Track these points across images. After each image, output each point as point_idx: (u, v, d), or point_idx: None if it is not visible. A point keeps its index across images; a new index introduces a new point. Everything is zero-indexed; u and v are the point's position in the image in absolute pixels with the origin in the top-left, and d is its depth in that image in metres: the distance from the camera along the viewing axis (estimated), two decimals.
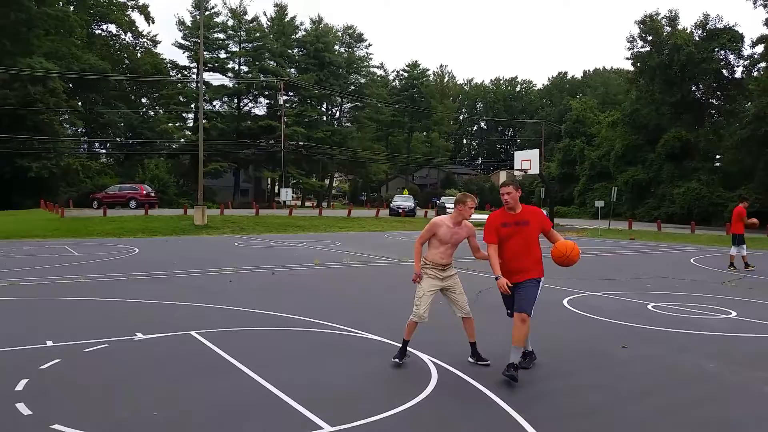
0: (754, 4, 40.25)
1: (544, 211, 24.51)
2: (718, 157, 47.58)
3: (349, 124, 77.63)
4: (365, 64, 77.18)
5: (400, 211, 40.92)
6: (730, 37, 43.91)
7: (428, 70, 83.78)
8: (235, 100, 67.75)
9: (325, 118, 74.57)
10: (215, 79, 66.20)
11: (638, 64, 49.53)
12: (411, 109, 78.23)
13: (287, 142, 59.17)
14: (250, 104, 69.79)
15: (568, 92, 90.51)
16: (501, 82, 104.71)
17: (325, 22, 73.55)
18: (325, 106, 76.44)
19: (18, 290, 10.32)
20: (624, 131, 51.26)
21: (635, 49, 49.30)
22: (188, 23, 63.04)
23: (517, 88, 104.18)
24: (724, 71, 45.64)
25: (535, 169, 31.09)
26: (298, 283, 11.85)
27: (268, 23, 71.47)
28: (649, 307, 9.42)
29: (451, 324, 6.52)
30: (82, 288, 10.68)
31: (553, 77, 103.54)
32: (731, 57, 45.17)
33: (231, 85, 65.94)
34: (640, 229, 33.83)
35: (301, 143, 63.73)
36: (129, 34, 62.99)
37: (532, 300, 5.44)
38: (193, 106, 62.81)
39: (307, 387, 5.17)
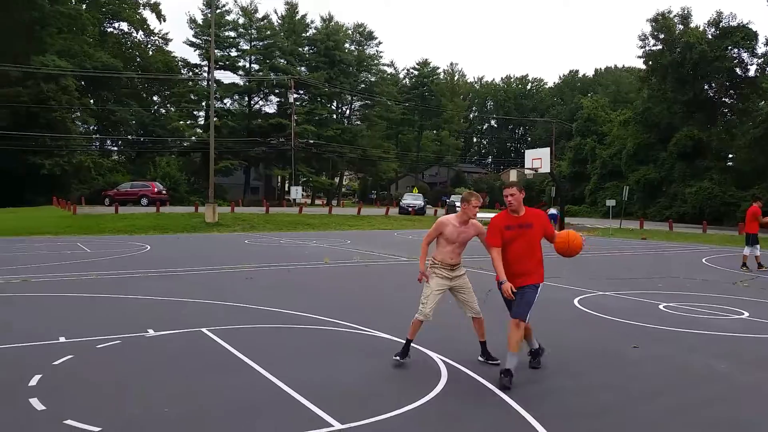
0: None
1: (555, 210, 24.31)
2: (730, 156, 47.14)
3: (359, 123, 77.67)
4: (375, 62, 77.21)
5: (410, 209, 40.90)
6: (744, 35, 43.48)
7: (438, 68, 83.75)
8: (246, 98, 67.97)
9: (335, 117, 74.67)
10: (226, 77, 66.57)
11: (650, 63, 49.20)
12: (421, 107, 78.14)
13: (297, 141, 59.27)
14: (260, 102, 70.06)
15: (580, 90, 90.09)
16: (512, 80, 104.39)
17: (335, 21, 73.71)
18: (335, 104, 76.54)
19: (30, 287, 10.42)
20: (636, 130, 50.95)
21: (647, 48, 48.99)
22: (199, 21, 63.35)
23: (528, 87, 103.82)
24: (738, 69, 45.19)
25: (545, 168, 30.93)
26: (307, 281, 11.88)
27: (279, 21, 71.69)
28: (661, 307, 9.37)
29: (461, 323, 6.52)
30: (94, 285, 10.77)
31: (564, 75, 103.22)
32: (744, 55, 44.75)
33: (242, 83, 66.19)
34: (651, 228, 33.63)
35: (312, 141, 63.84)
36: (141, 32, 63.40)
37: (530, 306, 5.38)
38: (204, 104, 63.09)
39: (317, 384, 5.19)
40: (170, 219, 28.44)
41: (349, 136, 69.80)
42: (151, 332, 7.06)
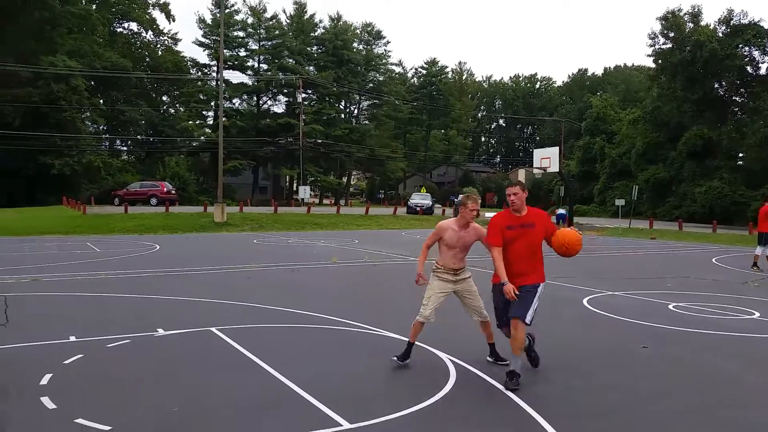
0: None
1: (564, 210, 24.20)
2: (740, 155, 46.83)
3: (367, 122, 77.71)
4: (384, 61, 77.21)
5: (418, 209, 40.88)
6: (755, 33, 43.17)
7: (447, 67, 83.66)
8: (255, 98, 68.16)
9: (343, 116, 74.75)
10: (235, 77, 66.75)
11: (660, 61, 48.94)
12: (429, 106, 78.08)
13: (306, 140, 59.37)
14: (269, 102, 70.26)
15: (589, 89, 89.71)
16: (520, 79, 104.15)
17: (344, 20, 73.76)
18: (343, 103, 76.63)
19: (41, 286, 10.49)
20: (645, 129, 50.67)
21: (657, 46, 48.74)
22: (208, 21, 63.57)
23: (537, 85, 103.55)
24: (749, 68, 44.88)
25: (554, 167, 30.87)
26: (316, 281, 11.91)
27: (288, 21, 71.80)
28: (670, 307, 9.32)
29: (469, 322, 6.51)
30: (104, 284, 10.83)
31: (573, 74, 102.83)
32: (756, 53, 44.43)
33: (250, 82, 66.37)
34: (661, 228, 33.46)
35: (320, 141, 63.94)
36: (150, 32, 63.65)
37: (529, 306, 5.21)
38: (213, 104, 63.30)
39: (326, 384, 5.20)
40: (179, 219, 28.56)
41: (357, 135, 69.84)
42: (160, 332, 7.09)
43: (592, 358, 6.34)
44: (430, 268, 5.95)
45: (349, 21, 76.14)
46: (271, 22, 67.64)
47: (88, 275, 11.90)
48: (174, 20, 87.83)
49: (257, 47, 66.68)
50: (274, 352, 6.25)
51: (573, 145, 71.51)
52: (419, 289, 6.06)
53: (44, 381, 5.13)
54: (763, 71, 44.68)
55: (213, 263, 14.24)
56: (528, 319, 5.22)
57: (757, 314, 8.84)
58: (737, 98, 47.74)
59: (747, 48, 44.11)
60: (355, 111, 79.25)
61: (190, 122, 62.99)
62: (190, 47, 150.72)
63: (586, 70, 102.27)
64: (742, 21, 44.53)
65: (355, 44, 74.13)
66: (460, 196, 5.90)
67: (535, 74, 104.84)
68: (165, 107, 67.13)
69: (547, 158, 30.81)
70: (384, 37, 77.05)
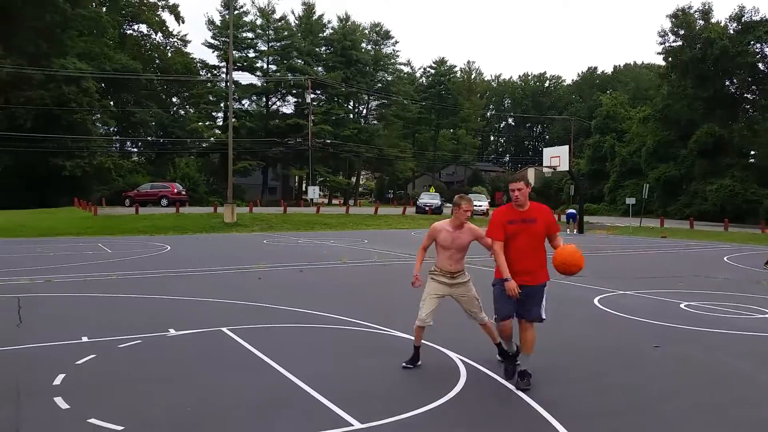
0: None
1: (574, 210, 24.04)
2: (752, 153, 46.49)
3: (375, 122, 77.71)
4: (392, 61, 77.18)
5: (427, 208, 40.85)
6: (767, 30, 42.85)
7: (455, 66, 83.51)
8: (264, 99, 68.33)
9: (352, 116, 74.78)
10: (244, 78, 66.96)
11: (670, 59, 48.70)
12: (438, 106, 77.99)
13: (314, 140, 59.46)
14: (278, 103, 70.41)
15: (598, 87, 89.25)
16: (529, 77, 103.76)
17: (352, 20, 73.78)
18: (352, 103, 76.66)
19: (53, 287, 10.57)
20: (655, 127, 50.42)
21: (667, 44, 48.52)
22: (217, 23, 63.77)
23: (546, 84, 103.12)
24: (760, 65, 44.60)
25: (564, 166, 30.70)
26: (325, 281, 11.93)
27: (296, 22, 71.91)
28: (682, 306, 9.27)
29: None
30: (116, 285, 10.90)
31: (582, 72, 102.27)
32: (767, 50, 44.12)
33: (259, 83, 66.55)
34: (672, 226, 33.28)
35: (329, 141, 64.01)
36: (159, 34, 63.94)
37: (542, 306, 5.21)
38: (222, 105, 63.50)
39: (337, 383, 5.21)
40: (190, 219, 28.70)
41: (365, 135, 69.87)
42: (172, 332, 7.13)
43: (603, 357, 6.31)
44: (429, 269, 5.91)
45: (357, 21, 76.26)
46: (279, 23, 67.80)
47: (100, 276, 11.98)
48: (183, 22, 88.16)
49: (266, 48, 66.85)
50: (285, 352, 6.27)
51: (583, 143, 71.23)
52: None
53: (57, 381, 5.17)
54: None
55: (223, 264, 14.30)
56: (543, 316, 5.24)
57: None
58: (749, 95, 47.41)
59: (759, 45, 43.82)
60: (364, 111, 79.29)
61: (200, 123, 63.27)
62: (200, 49, 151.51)
63: (595, 68, 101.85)
64: (753, 17, 44.24)
65: (363, 44, 74.15)
66: (455, 197, 5.79)
67: (545, 73, 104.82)
68: (175, 109, 67.46)
69: (556, 157, 30.65)
70: (392, 37, 77.17)
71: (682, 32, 47.18)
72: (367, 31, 75.48)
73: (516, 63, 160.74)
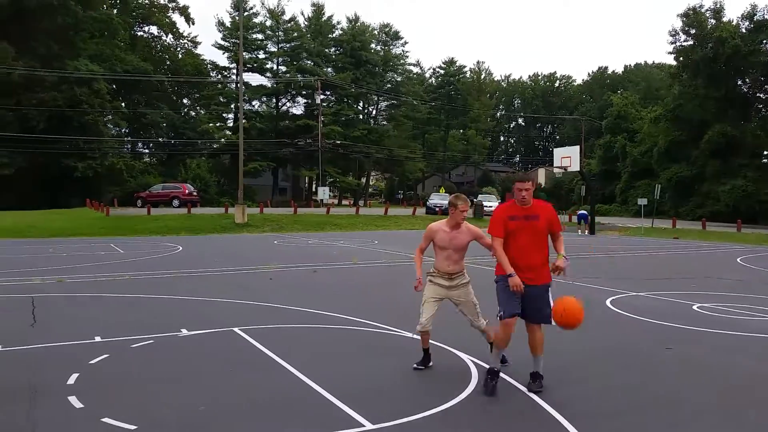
0: None
1: (585, 211, 23.90)
2: (765, 153, 46.10)
3: (385, 123, 77.70)
4: (401, 61, 77.17)
5: (437, 209, 40.77)
6: None
7: (465, 66, 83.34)
8: (274, 100, 68.52)
9: (361, 117, 74.81)
10: (254, 79, 67.16)
11: (681, 59, 48.40)
12: (447, 106, 77.89)
13: (324, 141, 59.56)
14: (288, 104, 70.54)
15: (609, 87, 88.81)
16: (539, 77, 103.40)
17: (361, 21, 73.82)
18: (361, 104, 76.69)
19: (66, 287, 10.65)
20: (667, 127, 50.08)
21: (678, 43, 48.25)
22: (228, 24, 64.02)
23: (556, 84, 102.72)
24: None
25: (575, 166, 30.60)
26: (336, 281, 11.95)
27: (306, 23, 72.07)
28: (694, 307, 9.21)
29: (491, 324, 6.49)
30: (128, 285, 10.97)
31: (593, 72, 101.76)
32: None
33: (269, 85, 66.73)
34: (684, 227, 33.07)
35: (338, 142, 64.06)
36: (170, 36, 64.34)
37: (549, 308, 5.06)
38: (233, 106, 63.78)
39: (349, 384, 5.22)
40: (201, 220, 28.84)
41: (375, 136, 69.90)
42: (184, 332, 7.17)
43: (615, 358, 6.29)
44: (428, 271, 5.87)
45: (366, 22, 76.33)
46: (289, 25, 67.98)
47: (113, 276, 12.06)
48: (194, 23, 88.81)
49: (276, 49, 67.04)
50: (296, 352, 6.29)
51: (594, 143, 70.87)
52: None
53: (71, 380, 5.21)
54: None
55: (234, 264, 14.36)
56: (553, 323, 5.13)
57: None
58: (761, 95, 47.01)
59: None
60: (374, 112, 79.32)
61: (211, 124, 63.54)
62: (210, 50, 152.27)
63: (606, 68, 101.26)
64: (766, 16, 43.87)
65: (372, 45, 74.19)
66: (451, 197, 5.72)
67: (555, 73, 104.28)
68: (186, 110, 67.78)
69: (567, 157, 30.55)
70: (402, 38, 77.11)
71: (693, 31, 46.88)
72: (376, 32, 75.54)
73: (526, 63, 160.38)
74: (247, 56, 62.79)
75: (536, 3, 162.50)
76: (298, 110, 70.26)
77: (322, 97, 64.87)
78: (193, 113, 67.27)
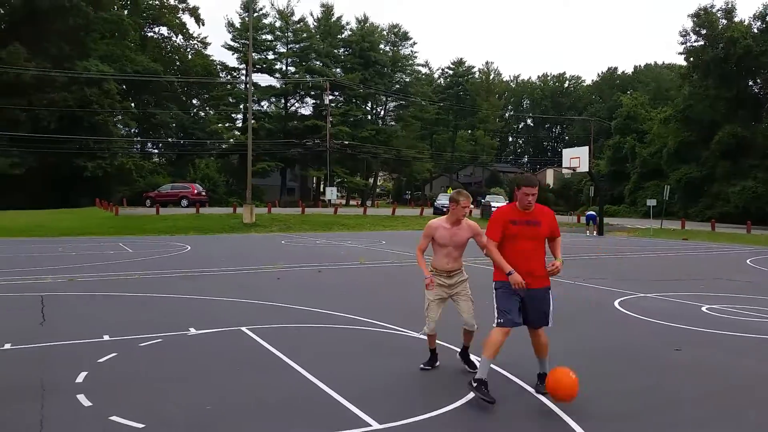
0: None
1: (594, 212, 23.82)
2: None
3: (393, 123, 77.70)
4: (410, 62, 77.15)
5: (445, 209, 40.55)
6: None
7: (473, 67, 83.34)
8: (283, 101, 68.68)
9: (369, 117, 74.83)
10: (263, 79, 67.40)
11: (692, 59, 48.12)
12: (456, 107, 77.82)
13: (333, 142, 59.64)
14: (296, 104, 70.69)
15: (619, 88, 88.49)
16: (548, 78, 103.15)
17: (370, 22, 73.86)
18: (370, 105, 76.73)
19: (76, 286, 10.72)
20: (677, 128, 49.79)
21: (688, 44, 47.98)
22: (237, 25, 64.25)
23: (566, 84, 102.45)
24: None
25: (584, 167, 30.48)
26: (343, 282, 11.96)
27: (315, 24, 72.23)
28: (704, 309, 9.16)
29: None
30: (137, 284, 11.02)
31: (602, 73, 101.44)
32: None
33: (278, 85, 66.88)
34: (693, 228, 32.88)
35: (346, 142, 64.12)
36: (180, 37, 64.61)
37: (549, 311, 5.01)
38: (241, 106, 64.00)
39: (356, 384, 5.23)
40: (209, 220, 28.95)
41: (383, 136, 69.92)
42: (192, 331, 7.19)
43: (623, 360, 6.26)
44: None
45: (375, 23, 76.41)
46: (298, 25, 68.11)
47: (122, 275, 12.13)
48: (203, 24, 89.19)
49: (285, 50, 67.19)
50: (303, 351, 6.30)
51: (603, 144, 70.60)
52: None
53: (80, 379, 5.24)
54: None
55: (242, 264, 14.40)
56: (551, 324, 5.09)
57: None
58: None
59: None
60: (382, 112, 79.33)
61: (220, 125, 63.77)
62: (220, 51, 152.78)
63: (615, 68, 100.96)
64: None
65: (381, 46, 74.21)
66: (452, 192, 5.65)
67: (564, 73, 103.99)
68: (195, 110, 68.07)
69: (576, 158, 30.45)
70: (410, 38, 77.05)
71: (704, 32, 46.59)
72: (385, 33, 75.54)
73: (535, 63, 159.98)
74: (256, 57, 62.94)
75: (545, 3, 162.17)
76: (306, 111, 70.47)
77: (330, 97, 64.97)
78: (203, 113, 67.58)
